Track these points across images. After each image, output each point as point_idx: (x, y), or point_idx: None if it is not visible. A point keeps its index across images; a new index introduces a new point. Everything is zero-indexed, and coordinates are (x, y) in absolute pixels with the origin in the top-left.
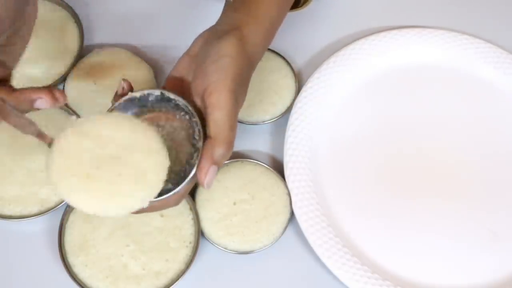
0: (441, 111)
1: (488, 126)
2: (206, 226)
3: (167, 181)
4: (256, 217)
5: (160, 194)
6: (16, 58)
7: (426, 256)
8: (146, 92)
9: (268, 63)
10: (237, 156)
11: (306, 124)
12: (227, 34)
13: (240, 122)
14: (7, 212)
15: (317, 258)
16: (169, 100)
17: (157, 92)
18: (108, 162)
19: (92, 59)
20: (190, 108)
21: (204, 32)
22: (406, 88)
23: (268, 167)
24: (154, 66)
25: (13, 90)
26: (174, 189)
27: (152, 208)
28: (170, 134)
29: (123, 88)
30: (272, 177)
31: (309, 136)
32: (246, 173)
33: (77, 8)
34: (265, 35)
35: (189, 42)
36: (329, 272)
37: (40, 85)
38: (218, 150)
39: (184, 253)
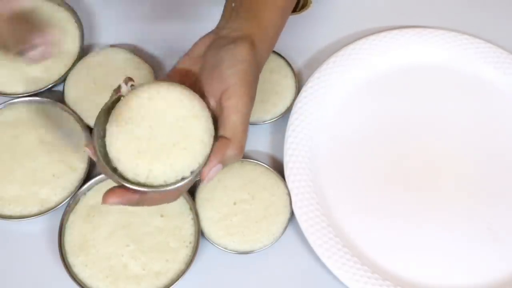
0: (441, 111)
1: (488, 126)
2: (206, 226)
3: None
4: (256, 217)
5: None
6: None
7: (426, 256)
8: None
9: (269, 63)
10: None
11: (306, 124)
12: (241, 40)
13: None
14: (7, 212)
15: (317, 258)
16: None
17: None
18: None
19: (92, 59)
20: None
21: (206, 35)
22: (406, 88)
23: (268, 167)
24: (154, 66)
25: None
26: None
27: (151, 200)
28: None
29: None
30: (272, 177)
31: (309, 136)
32: (246, 173)
33: (77, 8)
34: (270, 43)
35: (189, 43)
36: (329, 272)
37: (40, 85)
38: (231, 151)
39: (184, 253)
